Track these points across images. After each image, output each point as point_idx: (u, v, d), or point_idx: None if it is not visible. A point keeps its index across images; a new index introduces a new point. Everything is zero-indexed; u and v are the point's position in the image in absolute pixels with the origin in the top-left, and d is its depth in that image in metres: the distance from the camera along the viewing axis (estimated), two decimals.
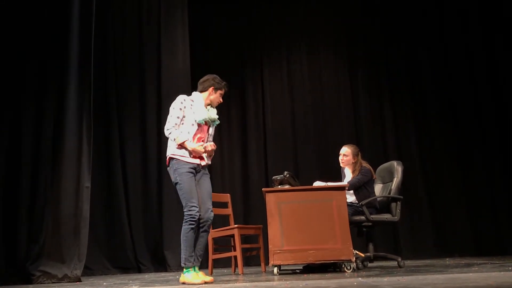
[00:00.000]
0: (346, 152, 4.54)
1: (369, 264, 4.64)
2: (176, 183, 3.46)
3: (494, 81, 6.92)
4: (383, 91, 7.26)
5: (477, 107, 6.98)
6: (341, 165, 4.60)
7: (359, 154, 4.54)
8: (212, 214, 3.52)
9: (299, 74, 7.40)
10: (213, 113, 3.61)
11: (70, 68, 4.56)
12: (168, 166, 3.55)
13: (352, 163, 4.49)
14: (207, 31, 7.30)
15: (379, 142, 7.09)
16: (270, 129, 7.15)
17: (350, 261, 3.72)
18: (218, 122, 3.68)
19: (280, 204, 3.84)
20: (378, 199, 4.35)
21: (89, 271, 5.33)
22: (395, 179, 4.34)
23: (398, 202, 4.25)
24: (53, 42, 4.64)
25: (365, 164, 4.44)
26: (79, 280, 4.19)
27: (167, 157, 3.56)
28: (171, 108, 3.56)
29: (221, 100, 3.68)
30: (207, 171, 3.63)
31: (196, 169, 3.52)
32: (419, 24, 7.33)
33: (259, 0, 7.51)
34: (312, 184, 4.26)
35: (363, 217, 4.13)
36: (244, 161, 7.06)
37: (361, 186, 4.30)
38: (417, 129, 7.09)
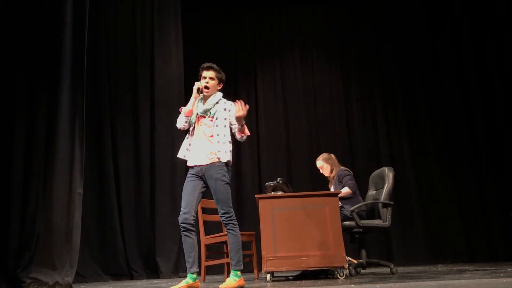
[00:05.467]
0: (319, 165, 4.81)
1: (362, 271, 4.65)
2: None
3: (485, 88, 6.99)
4: (376, 97, 7.31)
5: (468, 113, 7.05)
6: (326, 175, 4.81)
7: (332, 156, 4.78)
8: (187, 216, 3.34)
9: (292, 80, 7.43)
10: (207, 105, 3.47)
11: (63, 73, 4.53)
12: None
13: (331, 168, 4.71)
14: (200, 37, 7.32)
15: (372, 148, 7.12)
16: (263, 135, 7.16)
17: (343, 267, 3.72)
18: (208, 110, 3.47)
19: (273, 210, 3.84)
20: (369, 204, 4.39)
21: (81, 277, 5.30)
22: (386, 184, 4.36)
23: (389, 208, 4.26)
24: (46, 47, 4.62)
25: (341, 167, 4.66)
26: (71, 287, 4.15)
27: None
28: None
29: (206, 82, 3.45)
30: (213, 173, 3.35)
31: (198, 173, 3.42)
32: (411, 30, 7.40)
33: (252, 6, 7.54)
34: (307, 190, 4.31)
35: (353, 223, 4.15)
36: (237, 167, 7.05)
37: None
38: (410, 135, 7.14)
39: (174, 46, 6.47)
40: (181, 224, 3.34)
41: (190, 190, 3.40)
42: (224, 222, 3.38)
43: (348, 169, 4.62)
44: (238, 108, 3.34)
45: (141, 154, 6.13)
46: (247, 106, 3.37)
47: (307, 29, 7.56)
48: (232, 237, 3.37)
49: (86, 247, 5.35)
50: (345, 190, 4.37)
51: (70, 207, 4.31)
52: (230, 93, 7.13)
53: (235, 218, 3.40)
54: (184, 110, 3.49)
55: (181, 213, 3.36)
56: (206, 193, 3.54)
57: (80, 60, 4.65)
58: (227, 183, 3.38)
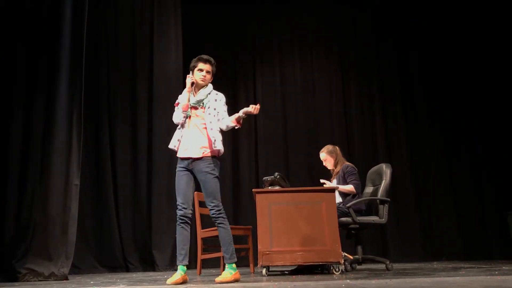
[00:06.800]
0: (323, 157, 4.71)
1: (358, 267, 4.66)
2: None
3: (484, 87, 6.99)
4: (374, 94, 7.31)
5: (466, 112, 7.05)
6: (329, 168, 4.70)
7: (337, 149, 4.67)
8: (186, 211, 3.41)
9: (291, 76, 7.42)
10: (199, 95, 3.50)
11: (62, 65, 4.52)
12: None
13: (335, 161, 4.61)
14: (200, 32, 7.28)
15: (370, 145, 7.13)
16: (261, 130, 7.15)
17: (338, 263, 3.73)
18: (201, 100, 3.49)
19: (270, 205, 3.84)
20: (366, 201, 4.38)
21: (76, 269, 5.30)
22: (383, 181, 4.36)
23: (386, 205, 4.26)
24: (45, 38, 4.60)
25: (346, 162, 4.55)
26: (66, 279, 4.15)
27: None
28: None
29: (203, 75, 3.48)
30: (203, 166, 3.38)
31: (188, 166, 3.43)
32: (410, 27, 7.39)
33: (252, 2, 7.51)
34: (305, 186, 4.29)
35: (349, 219, 4.15)
36: (235, 161, 7.06)
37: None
38: (407, 132, 7.14)
39: (173, 40, 6.44)
40: (180, 217, 3.37)
41: (185, 185, 3.42)
42: (214, 216, 3.37)
43: (354, 166, 4.51)
44: (255, 108, 3.40)
45: (138, 148, 6.13)
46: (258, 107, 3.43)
47: (307, 25, 7.53)
48: (223, 231, 3.38)
49: (82, 239, 5.35)
50: (349, 187, 4.34)
51: (66, 199, 4.31)
52: (229, 87, 7.15)
53: (224, 211, 3.41)
54: (180, 105, 3.51)
55: (180, 207, 3.38)
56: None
57: (79, 52, 4.63)
58: (216, 176, 3.40)
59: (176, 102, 3.57)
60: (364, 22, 7.52)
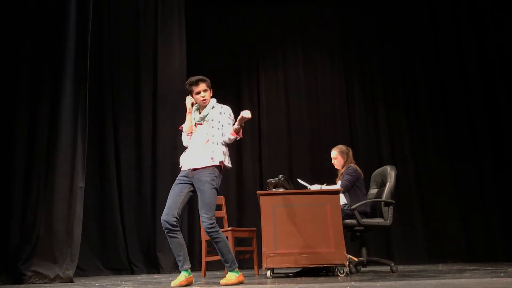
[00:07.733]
0: (334, 155, 4.66)
1: (362, 269, 4.65)
2: None
3: (487, 88, 6.96)
4: (378, 96, 7.29)
5: (470, 114, 7.02)
6: (336, 168, 4.68)
7: (349, 152, 4.62)
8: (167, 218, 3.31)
9: (295, 78, 7.42)
10: (204, 112, 3.49)
11: (66, 67, 4.53)
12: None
13: (344, 162, 4.56)
14: (203, 34, 7.30)
15: (374, 147, 7.11)
16: (265, 132, 7.16)
17: (343, 265, 3.73)
18: (205, 116, 3.48)
19: (274, 207, 3.84)
20: (371, 203, 4.37)
21: (81, 271, 5.31)
22: (388, 183, 4.35)
23: (391, 207, 4.25)
24: (49, 40, 4.62)
25: (351, 164, 4.51)
26: (71, 281, 4.16)
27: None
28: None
29: (202, 95, 3.44)
30: (202, 175, 3.33)
31: (187, 175, 3.40)
32: (414, 29, 7.38)
33: (255, 3, 7.52)
34: (307, 187, 4.28)
35: (354, 221, 4.14)
36: (239, 163, 7.06)
37: (352, 187, 4.33)
38: (411, 134, 7.12)
39: (177, 42, 6.46)
40: (163, 225, 3.30)
41: (176, 192, 3.38)
42: (207, 230, 3.23)
43: (356, 169, 4.43)
44: (247, 113, 3.32)
45: (143, 149, 6.14)
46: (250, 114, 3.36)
47: (309, 26, 7.53)
48: (220, 243, 3.28)
49: (87, 241, 5.35)
50: (338, 186, 4.33)
51: (71, 201, 4.32)
52: (233, 89, 7.16)
53: (216, 223, 3.30)
54: (184, 129, 3.54)
55: (163, 213, 3.32)
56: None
57: (83, 54, 4.65)
58: (215, 187, 3.32)
59: (181, 126, 3.60)
60: (367, 23, 7.51)
